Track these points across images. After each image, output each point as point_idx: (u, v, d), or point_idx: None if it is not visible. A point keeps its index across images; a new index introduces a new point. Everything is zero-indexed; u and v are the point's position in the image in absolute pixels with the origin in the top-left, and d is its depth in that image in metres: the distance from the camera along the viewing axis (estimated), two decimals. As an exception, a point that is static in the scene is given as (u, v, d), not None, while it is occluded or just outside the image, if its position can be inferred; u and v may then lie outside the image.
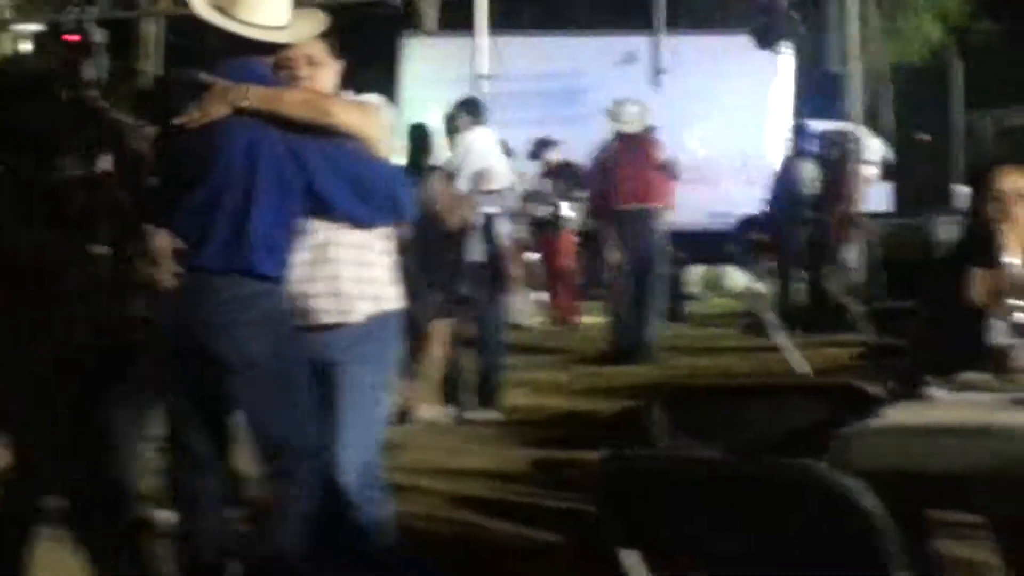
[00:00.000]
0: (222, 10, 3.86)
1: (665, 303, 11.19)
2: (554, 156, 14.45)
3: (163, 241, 3.81)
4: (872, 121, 19.43)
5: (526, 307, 13.91)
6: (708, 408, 3.90)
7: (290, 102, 3.81)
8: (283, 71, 3.97)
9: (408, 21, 20.88)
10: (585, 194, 14.27)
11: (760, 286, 15.30)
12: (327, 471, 3.98)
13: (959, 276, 4.09)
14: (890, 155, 15.49)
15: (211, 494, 3.93)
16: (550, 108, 17.58)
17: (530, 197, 14.41)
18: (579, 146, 14.46)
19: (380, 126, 4.04)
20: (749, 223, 16.44)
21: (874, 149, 17.45)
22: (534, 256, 14.84)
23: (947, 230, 10.73)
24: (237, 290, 3.78)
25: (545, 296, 14.63)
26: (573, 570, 4.87)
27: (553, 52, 18.37)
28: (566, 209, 14.02)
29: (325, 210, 3.91)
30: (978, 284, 4.00)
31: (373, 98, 4.46)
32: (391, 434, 4.27)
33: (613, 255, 11.02)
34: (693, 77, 17.21)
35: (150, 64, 19.71)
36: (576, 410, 8.59)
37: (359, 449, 4.05)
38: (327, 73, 4.08)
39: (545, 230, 14.36)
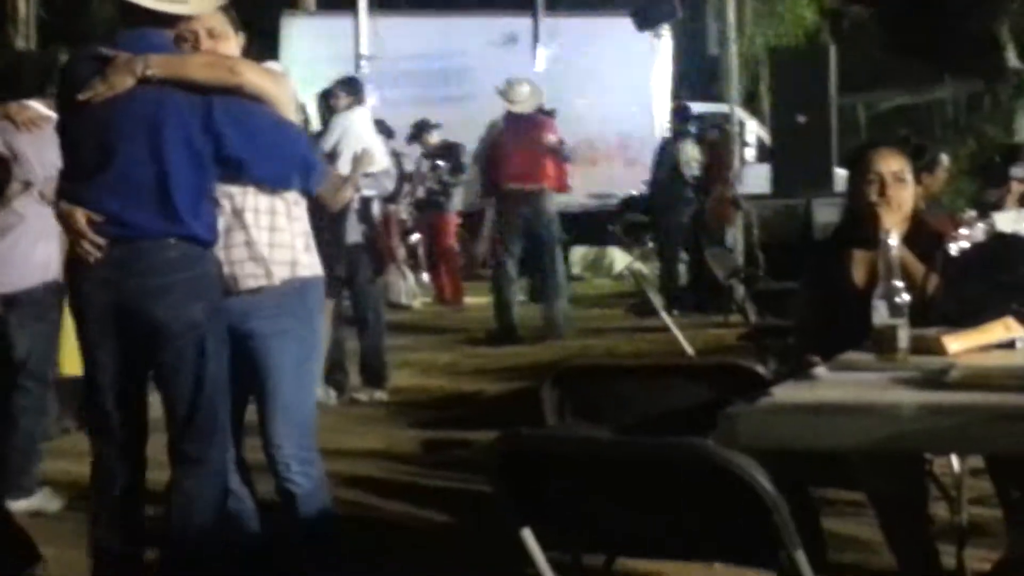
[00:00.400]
0: None
1: (562, 282, 11.25)
2: (434, 138, 14.45)
3: (80, 216, 3.77)
4: (749, 103, 19.75)
5: (410, 287, 13.92)
6: (597, 388, 3.92)
7: (195, 65, 3.81)
8: (184, 44, 3.94)
9: (288, 1, 20.67)
10: (466, 176, 14.31)
11: (642, 266, 15.46)
12: (265, 448, 4.07)
13: (840, 258, 4.19)
14: (767, 137, 15.74)
15: (124, 474, 3.92)
16: (431, 88, 17.55)
17: (412, 178, 14.42)
18: (460, 127, 14.48)
19: (286, 89, 4.02)
20: (630, 204, 16.60)
21: (752, 131, 17.74)
22: (417, 237, 14.87)
23: (825, 212, 10.92)
24: (170, 253, 3.77)
25: (428, 277, 14.66)
26: (465, 549, 4.91)
27: (434, 32, 18.33)
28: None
29: (237, 174, 3.91)
30: (858, 265, 4.11)
31: (275, 65, 4.45)
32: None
33: (499, 236, 11.05)
34: (574, 58, 17.29)
35: (21, 41, 19.27)
36: (463, 390, 8.61)
37: (293, 425, 4.09)
38: (229, 46, 4.04)
39: (428, 211, 14.37)
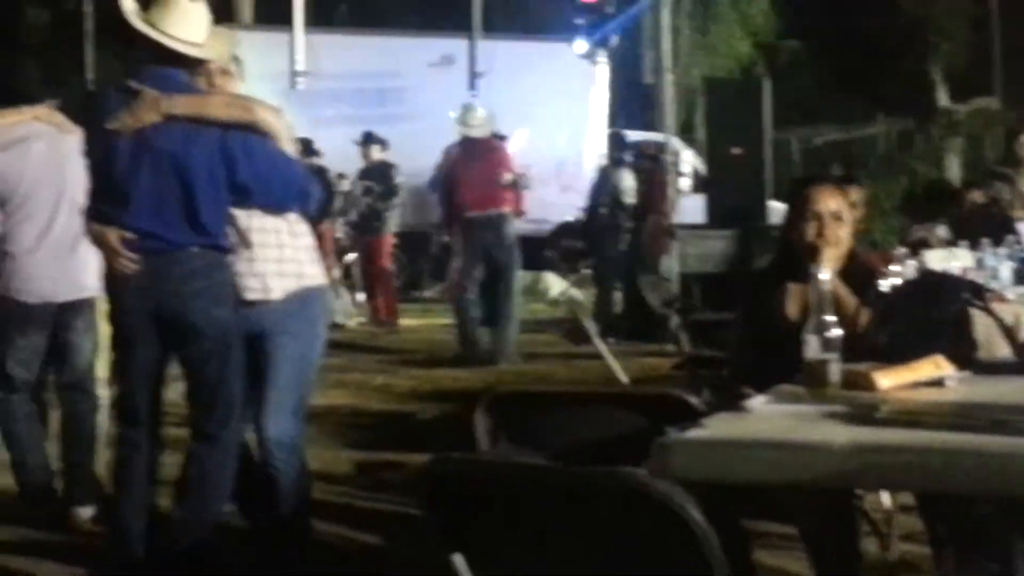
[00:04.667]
0: (152, 24, 4.36)
1: (516, 308, 11.26)
2: (376, 153, 14.39)
3: (113, 234, 4.29)
4: (685, 133, 19.88)
5: (345, 306, 13.88)
6: (530, 414, 3.93)
7: (215, 105, 4.36)
8: (200, 78, 4.50)
9: (224, 14, 20.58)
10: (399, 199, 14.24)
11: (577, 293, 15.49)
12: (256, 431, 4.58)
13: (775, 291, 4.24)
14: (702, 168, 15.83)
15: (148, 453, 4.46)
16: (367, 107, 17.51)
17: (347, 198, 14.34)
18: (395, 146, 14.44)
19: (286, 124, 4.55)
20: (565, 230, 16.63)
21: (687, 161, 17.84)
22: (353, 256, 14.81)
23: (760, 244, 10.98)
24: (198, 261, 4.34)
25: (363, 297, 14.62)
26: (398, 572, 4.90)
27: (370, 51, 18.31)
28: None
29: (243, 199, 4.44)
30: (793, 299, 4.16)
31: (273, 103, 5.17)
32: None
33: (460, 262, 11.03)
34: (510, 82, 17.34)
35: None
36: (397, 412, 8.59)
37: (282, 412, 4.56)
38: (235, 81, 4.66)
39: (363, 233, 14.32)
